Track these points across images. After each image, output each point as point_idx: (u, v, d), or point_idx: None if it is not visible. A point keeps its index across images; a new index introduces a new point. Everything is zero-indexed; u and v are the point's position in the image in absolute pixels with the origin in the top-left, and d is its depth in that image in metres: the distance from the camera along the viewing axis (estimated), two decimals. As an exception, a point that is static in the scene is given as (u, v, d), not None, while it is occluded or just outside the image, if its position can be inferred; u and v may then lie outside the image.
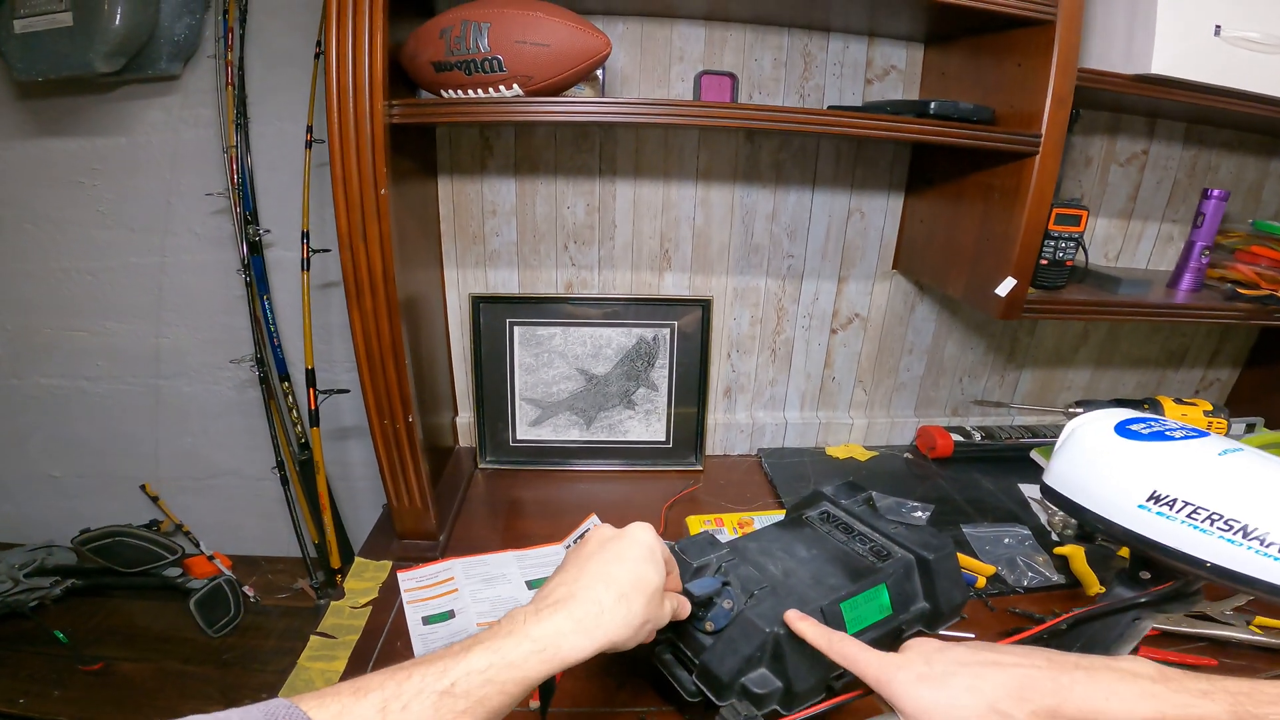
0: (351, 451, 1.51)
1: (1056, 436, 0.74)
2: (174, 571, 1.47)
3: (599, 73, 1.01)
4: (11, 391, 1.47)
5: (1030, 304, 0.95)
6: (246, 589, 1.49)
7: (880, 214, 1.20)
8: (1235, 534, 0.49)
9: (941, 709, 0.45)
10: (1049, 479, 0.64)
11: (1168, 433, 0.58)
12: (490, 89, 0.79)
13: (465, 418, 1.27)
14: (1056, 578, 0.94)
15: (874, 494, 0.83)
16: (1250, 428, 1.27)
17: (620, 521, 0.59)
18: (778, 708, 0.60)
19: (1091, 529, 0.60)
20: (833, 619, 0.63)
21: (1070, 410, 1.03)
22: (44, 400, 1.48)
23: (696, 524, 1.04)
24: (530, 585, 0.92)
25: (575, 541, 0.97)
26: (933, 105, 0.87)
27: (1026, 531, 1.04)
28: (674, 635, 0.66)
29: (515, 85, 0.78)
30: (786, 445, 1.34)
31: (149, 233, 1.32)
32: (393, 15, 0.75)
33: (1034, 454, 1.22)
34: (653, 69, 1.07)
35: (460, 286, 1.19)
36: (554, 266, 1.19)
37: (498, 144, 1.10)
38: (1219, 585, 0.52)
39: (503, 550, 0.98)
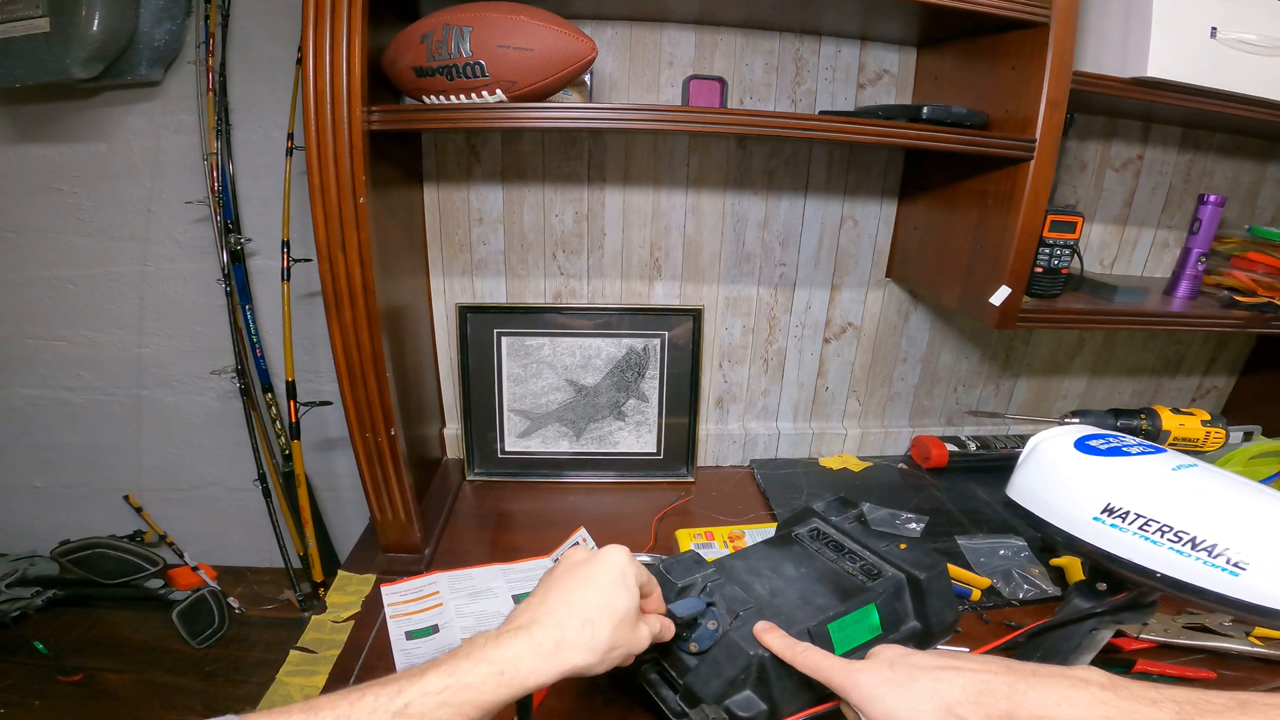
0: (338, 462, 1.49)
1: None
2: (156, 583, 1.45)
3: (586, 77, 1.00)
4: (-8, 401, 1.45)
5: (1025, 313, 0.93)
6: (232, 600, 1.47)
7: (873, 221, 1.19)
8: (1184, 545, 0.52)
9: (904, 712, 0.47)
10: (1011, 492, 0.66)
11: (1124, 449, 0.60)
12: (472, 94, 0.78)
13: (453, 429, 1.25)
14: (1052, 590, 0.93)
15: (867, 506, 0.81)
16: (1248, 436, 1.25)
17: (609, 535, 0.57)
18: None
19: (1052, 541, 0.62)
20: (820, 640, 0.62)
21: (1066, 420, 1.02)
22: (26, 410, 1.46)
23: (687, 537, 1.02)
24: (516, 599, 0.90)
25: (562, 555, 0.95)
26: (925, 110, 0.86)
27: (1022, 543, 1.02)
28: (659, 655, 0.64)
29: (498, 91, 0.77)
30: (780, 456, 1.32)
31: (130, 241, 1.30)
32: (373, 20, 0.73)
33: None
34: (642, 74, 1.06)
35: (447, 296, 1.17)
36: (542, 276, 1.17)
37: (484, 151, 1.08)
38: (1170, 596, 0.54)
39: (489, 564, 0.97)
